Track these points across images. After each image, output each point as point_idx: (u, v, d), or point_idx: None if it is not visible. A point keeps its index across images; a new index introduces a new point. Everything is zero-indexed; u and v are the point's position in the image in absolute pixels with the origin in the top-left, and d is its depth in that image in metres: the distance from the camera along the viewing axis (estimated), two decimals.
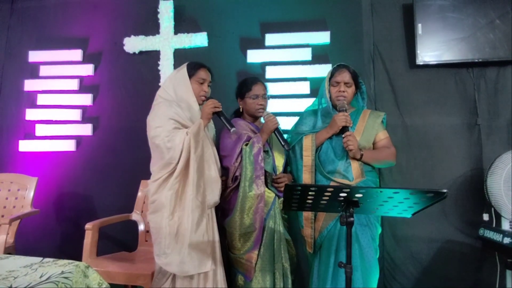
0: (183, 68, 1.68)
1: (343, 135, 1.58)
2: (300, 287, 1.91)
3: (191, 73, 1.66)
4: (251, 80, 1.78)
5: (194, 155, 1.52)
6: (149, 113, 1.64)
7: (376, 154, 1.64)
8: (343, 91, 1.66)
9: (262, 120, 1.81)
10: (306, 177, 1.63)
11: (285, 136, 1.73)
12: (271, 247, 1.64)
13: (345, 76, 1.66)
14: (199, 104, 1.66)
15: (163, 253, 1.51)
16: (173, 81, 1.67)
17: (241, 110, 1.82)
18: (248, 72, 2.37)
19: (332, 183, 1.59)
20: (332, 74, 1.70)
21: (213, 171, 1.60)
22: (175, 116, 1.58)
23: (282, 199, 1.70)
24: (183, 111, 1.61)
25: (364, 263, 1.52)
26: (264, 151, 1.66)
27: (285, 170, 1.78)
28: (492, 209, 1.92)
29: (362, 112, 1.73)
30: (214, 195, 1.60)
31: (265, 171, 1.66)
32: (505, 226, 1.89)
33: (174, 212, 1.51)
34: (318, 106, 1.76)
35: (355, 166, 1.61)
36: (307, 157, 1.64)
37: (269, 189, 1.68)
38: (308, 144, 1.65)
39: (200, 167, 1.55)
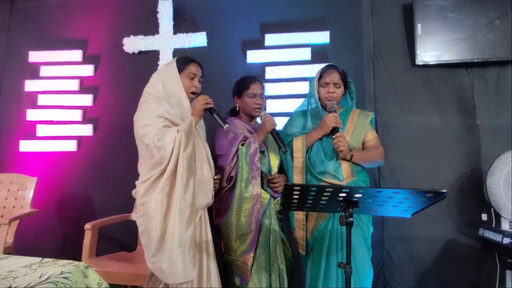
0: (173, 63, 1.60)
1: (333, 136, 1.58)
2: (297, 287, 1.91)
3: (181, 68, 1.59)
4: (249, 79, 1.76)
5: (184, 153, 1.45)
6: (137, 111, 1.56)
7: (365, 155, 1.65)
8: (332, 92, 1.66)
9: (258, 120, 1.80)
10: (297, 179, 1.63)
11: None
12: (266, 248, 1.63)
13: (334, 77, 1.66)
14: (190, 101, 1.60)
15: (154, 259, 1.43)
16: (162, 76, 1.59)
17: (237, 109, 1.80)
18: (248, 73, 2.35)
19: (322, 184, 1.59)
20: (321, 74, 1.70)
21: (205, 171, 1.54)
22: (165, 113, 1.50)
23: (277, 199, 1.70)
24: (173, 108, 1.54)
25: (356, 263, 1.51)
26: (260, 152, 1.65)
27: (280, 171, 1.78)
28: (492, 209, 1.92)
29: (351, 112, 1.73)
30: (206, 196, 1.54)
31: (261, 172, 1.65)
32: (505, 226, 1.89)
33: (165, 215, 1.43)
34: (308, 106, 1.76)
35: (345, 166, 1.61)
36: (298, 159, 1.64)
37: (264, 190, 1.67)
38: (298, 145, 1.65)
39: (190, 166, 1.48)
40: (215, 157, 1.69)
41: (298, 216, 1.63)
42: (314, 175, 1.62)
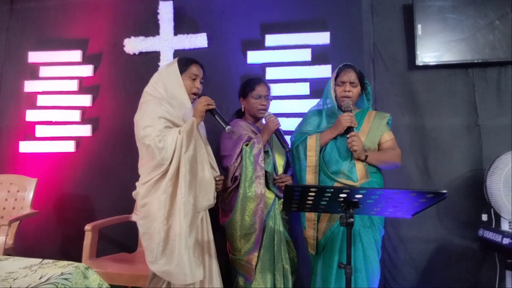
0: (174, 64, 1.59)
1: (347, 136, 1.56)
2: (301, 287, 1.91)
3: (182, 68, 1.57)
4: (255, 80, 1.78)
5: (186, 155, 1.44)
6: (137, 112, 1.54)
7: (381, 156, 1.63)
8: (349, 91, 1.64)
9: (263, 121, 1.81)
10: (310, 178, 1.62)
11: (286, 137, 1.72)
12: (271, 248, 1.64)
13: (351, 76, 1.65)
14: (191, 102, 1.59)
15: (156, 261, 1.42)
16: (163, 77, 1.58)
17: (242, 110, 1.82)
18: (248, 73, 2.37)
19: (336, 184, 1.58)
20: (338, 73, 1.69)
21: (206, 172, 1.53)
22: (166, 114, 1.49)
23: (282, 200, 1.70)
24: (174, 109, 1.53)
25: (366, 265, 1.51)
26: (264, 152, 1.65)
27: (285, 171, 1.78)
28: (492, 209, 1.92)
29: (367, 113, 1.71)
30: (208, 197, 1.53)
31: (266, 172, 1.65)
32: (505, 226, 1.89)
33: (168, 217, 1.42)
34: (323, 106, 1.74)
35: (359, 167, 1.59)
36: (311, 157, 1.63)
37: (269, 189, 1.68)
38: (312, 144, 1.64)
39: (192, 168, 1.47)
40: (220, 158, 1.70)
41: (310, 215, 1.62)
42: (327, 175, 1.61)
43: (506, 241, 1.71)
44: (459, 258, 2.10)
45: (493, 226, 1.95)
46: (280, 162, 1.75)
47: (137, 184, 1.52)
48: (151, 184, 1.45)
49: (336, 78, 1.69)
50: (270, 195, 1.68)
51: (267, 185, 1.66)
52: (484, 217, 1.99)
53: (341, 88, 1.66)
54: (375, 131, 1.65)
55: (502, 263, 1.93)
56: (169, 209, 1.43)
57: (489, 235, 1.84)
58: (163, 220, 1.41)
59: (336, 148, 1.63)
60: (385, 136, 1.67)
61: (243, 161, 1.62)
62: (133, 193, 1.55)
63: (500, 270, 1.95)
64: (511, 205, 1.79)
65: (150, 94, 1.57)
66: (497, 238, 1.78)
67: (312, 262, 1.70)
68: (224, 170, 1.70)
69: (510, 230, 1.85)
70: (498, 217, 1.91)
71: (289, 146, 1.64)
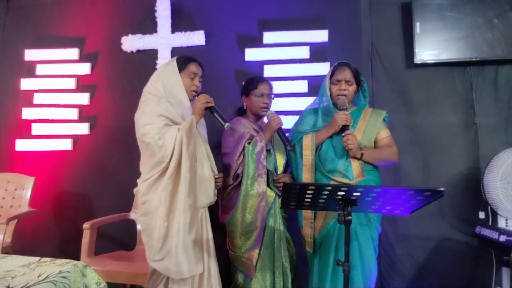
0: (173, 62, 1.60)
1: (342, 134, 1.56)
2: (298, 286, 1.92)
3: (181, 67, 1.59)
4: (257, 79, 1.80)
5: (187, 153, 1.46)
6: (137, 111, 1.56)
7: (377, 153, 1.63)
8: (344, 89, 1.64)
9: (265, 119, 1.81)
10: (306, 177, 1.62)
11: (286, 135, 1.72)
12: (271, 246, 1.65)
13: (346, 74, 1.65)
14: (190, 100, 1.61)
15: (156, 256, 1.45)
16: (162, 76, 1.59)
17: (244, 108, 1.82)
18: (246, 71, 2.37)
19: (332, 182, 1.58)
20: (333, 72, 1.68)
21: (206, 170, 1.54)
22: (165, 112, 1.51)
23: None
24: (173, 107, 1.55)
25: (363, 263, 1.52)
26: (266, 150, 1.66)
27: (285, 170, 1.79)
28: (489, 207, 1.94)
29: (364, 110, 1.71)
30: (208, 194, 1.54)
31: (267, 170, 1.66)
32: (501, 224, 1.90)
33: (168, 214, 1.45)
34: (319, 104, 1.74)
35: (355, 165, 1.59)
36: (307, 156, 1.63)
37: (270, 188, 1.69)
38: (308, 143, 1.64)
39: (192, 166, 1.49)
40: (222, 155, 1.71)
41: (307, 214, 1.62)
42: (323, 173, 1.61)
43: (503, 238, 1.73)
44: (456, 255, 2.12)
45: (490, 223, 1.97)
46: (280, 161, 1.76)
47: (138, 181, 1.55)
48: (151, 182, 1.48)
49: (331, 76, 1.68)
50: (271, 194, 1.69)
51: (268, 184, 1.67)
52: (481, 215, 2.01)
53: (336, 86, 1.66)
54: (371, 129, 1.65)
55: (498, 260, 1.94)
56: (169, 206, 1.46)
57: (486, 232, 1.85)
58: (163, 217, 1.44)
59: (332, 147, 1.63)
60: (381, 133, 1.66)
61: (245, 159, 1.63)
62: (134, 190, 1.58)
63: (497, 267, 1.97)
64: (509, 203, 1.80)
65: (149, 93, 1.59)
66: (494, 235, 1.79)
67: (309, 260, 1.71)
68: (225, 167, 1.70)
69: (507, 227, 1.86)
70: (495, 214, 1.92)
71: (292, 145, 1.65)
